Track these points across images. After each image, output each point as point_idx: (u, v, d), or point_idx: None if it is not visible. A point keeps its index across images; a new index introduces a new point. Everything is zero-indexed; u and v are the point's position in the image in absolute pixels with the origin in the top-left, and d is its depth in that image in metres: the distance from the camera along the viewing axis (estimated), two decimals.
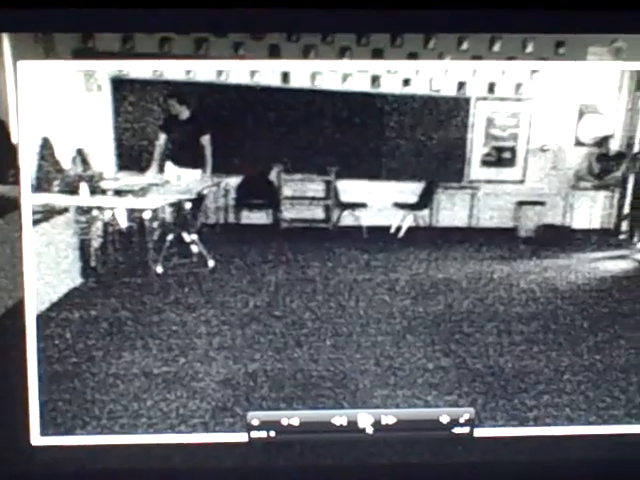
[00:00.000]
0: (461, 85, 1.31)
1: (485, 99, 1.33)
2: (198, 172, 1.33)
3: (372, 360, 1.30)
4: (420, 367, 1.30)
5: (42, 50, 1.16)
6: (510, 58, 1.23)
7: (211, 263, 1.35)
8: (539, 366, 1.32)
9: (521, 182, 1.39)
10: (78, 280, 1.31)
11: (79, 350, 1.27)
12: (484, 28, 1.17)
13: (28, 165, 1.19)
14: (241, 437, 1.25)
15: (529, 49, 1.23)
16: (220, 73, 1.30)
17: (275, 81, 1.28)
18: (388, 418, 1.25)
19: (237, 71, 1.27)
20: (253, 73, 1.28)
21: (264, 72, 1.26)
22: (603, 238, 1.39)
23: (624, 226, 1.41)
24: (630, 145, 1.34)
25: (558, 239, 1.38)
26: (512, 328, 1.32)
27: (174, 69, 1.26)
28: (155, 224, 1.34)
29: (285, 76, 1.28)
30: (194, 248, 1.35)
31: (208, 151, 1.32)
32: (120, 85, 1.28)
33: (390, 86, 1.31)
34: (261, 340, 1.30)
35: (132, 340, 1.29)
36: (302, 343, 1.30)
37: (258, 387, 1.28)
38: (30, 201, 1.19)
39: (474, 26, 1.17)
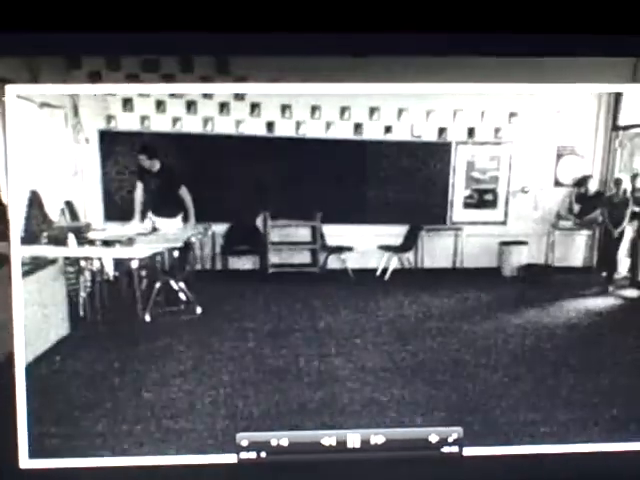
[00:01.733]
0: (442, 130, 1.35)
1: (465, 143, 1.37)
2: (179, 221, 1.35)
3: (361, 384, 1.31)
4: (408, 389, 1.31)
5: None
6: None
7: (199, 310, 1.36)
8: (526, 388, 1.33)
9: (503, 223, 1.42)
10: (67, 330, 1.32)
11: (70, 394, 1.27)
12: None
13: (17, 220, 1.20)
14: (230, 458, 1.24)
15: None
16: (206, 123, 1.33)
17: (260, 130, 1.31)
18: (377, 438, 1.25)
19: (222, 122, 1.30)
20: (238, 123, 1.31)
21: (249, 122, 1.29)
22: (584, 276, 1.42)
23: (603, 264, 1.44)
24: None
25: (541, 278, 1.40)
26: (499, 358, 1.34)
27: (160, 122, 1.29)
28: (143, 273, 1.36)
29: (270, 125, 1.31)
30: (182, 295, 1.36)
31: (188, 201, 1.34)
32: (108, 138, 1.31)
33: (373, 133, 1.34)
34: (250, 372, 1.30)
35: (121, 382, 1.29)
36: (291, 371, 1.30)
37: (247, 409, 1.28)
38: (19, 255, 1.20)
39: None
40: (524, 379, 1.31)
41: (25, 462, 1.23)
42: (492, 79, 1.14)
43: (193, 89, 1.18)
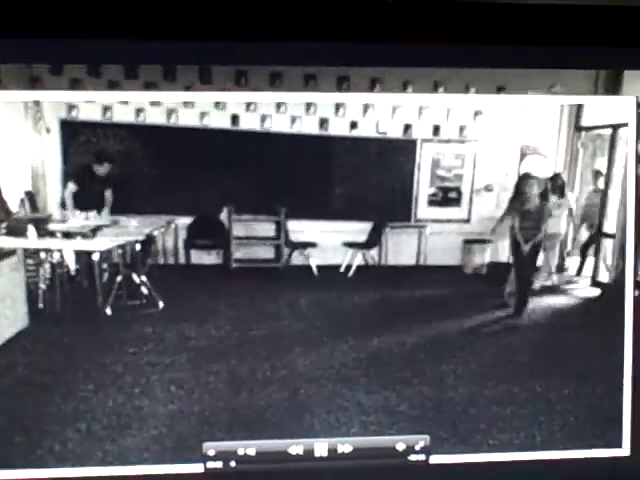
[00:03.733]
0: (407, 127, 1.35)
1: (430, 141, 1.37)
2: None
3: (327, 391, 1.31)
4: (375, 397, 1.32)
5: None
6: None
7: (161, 304, 1.34)
8: (492, 394, 1.34)
9: (467, 221, 1.43)
10: (25, 322, 1.30)
11: (27, 389, 1.25)
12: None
13: None
14: (197, 468, 1.24)
15: (472, 91, 1.27)
16: (170, 115, 1.32)
17: (225, 123, 1.30)
18: (344, 447, 1.25)
19: (187, 114, 1.29)
20: (203, 115, 1.30)
21: (213, 115, 1.28)
22: (547, 274, 1.43)
23: (567, 262, 1.45)
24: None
25: (503, 276, 1.41)
26: (463, 359, 1.35)
27: (123, 111, 1.27)
28: (104, 266, 1.34)
29: (234, 119, 1.31)
30: (144, 289, 1.35)
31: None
32: (69, 128, 1.29)
33: (338, 129, 1.34)
34: (215, 375, 1.30)
35: (83, 379, 1.28)
36: (256, 376, 1.30)
37: (214, 418, 1.27)
38: None
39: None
40: (491, 385, 1.32)
41: None
42: (456, 89, 1.15)
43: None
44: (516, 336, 1.37)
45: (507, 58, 1.15)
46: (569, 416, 1.31)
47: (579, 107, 1.34)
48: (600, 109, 1.27)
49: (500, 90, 1.32)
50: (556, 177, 1.39)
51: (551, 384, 1.34)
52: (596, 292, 1.44)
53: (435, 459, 1.26)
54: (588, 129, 1.39)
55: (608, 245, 1.37)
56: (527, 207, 1.38)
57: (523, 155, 1.39)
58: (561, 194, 1.39)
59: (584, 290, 1.44)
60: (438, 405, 1.32)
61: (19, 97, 1.15)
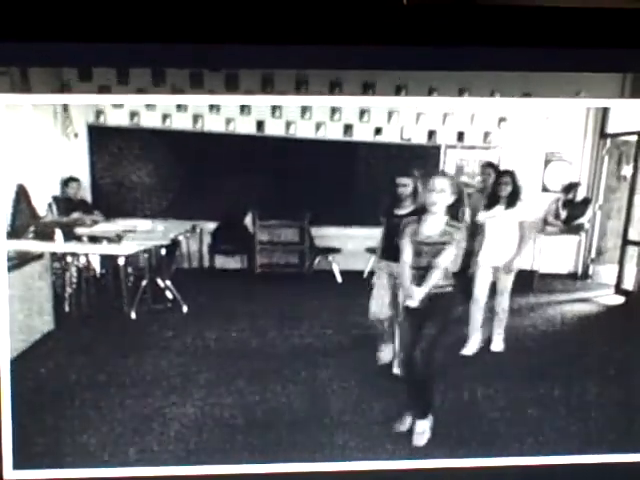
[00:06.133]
0: (431, 133, 1.35)
1: (454, 147, 1.37)
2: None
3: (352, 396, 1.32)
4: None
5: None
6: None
7: (185, 309, 1.35)
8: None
9: None
10: (52, 325, 1.31)
11: (52, 390, 1.26)
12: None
13: (3, 213, 1.19)
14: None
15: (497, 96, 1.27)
16: (196, 121, 1.33)
17: (250, 129, 1.31)
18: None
19: (212, 120, 1.30)
20: (229, 121, 1.31)
21: (239, 121, 1.29)
22: (570, 281, 1.43)
23: (590, 270, 1.45)
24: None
25: (526, 283, 1.41)
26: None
27: (150, 118, 1.28)
28: (129, 270, 1.35)
29: (260, 125, 1.31)
30: (168, 294, 1.36)
31: None
32: (96, 133, 1.30)
33: (362, 134, 1.35)
34: (238, 378, 1.30)
35: (107, 381, 1.28)
36: (279, 379, 1.30)
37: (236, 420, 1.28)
38: (5, 249, 1.19)
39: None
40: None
41: (9, 473, 1.21)
42: (482, 93, 1.15)
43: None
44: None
45: (533, 61, 1.14)
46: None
47: (604, 114, 1.33)
48: (626, 116, 1.27)
49: (526, 96, 1.31)
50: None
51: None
52: (620, 300, 1.43)
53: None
54: (614, 136, 1.38)
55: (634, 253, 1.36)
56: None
57: (547, 162, 1.39)
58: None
59: (608, 298, 1.43)
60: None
61: (47, 100, 1.16)
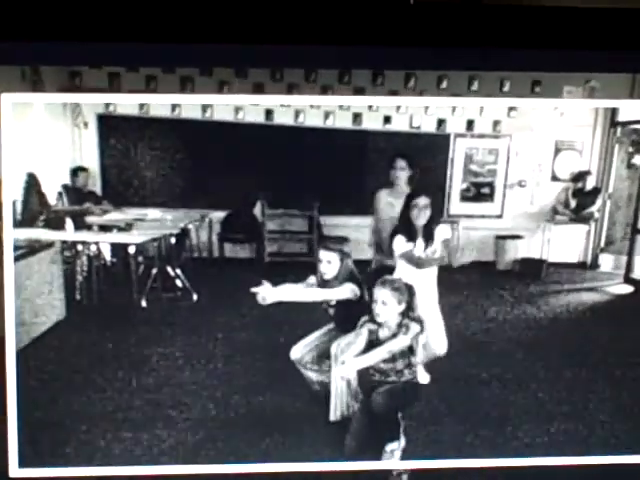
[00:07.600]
0: (441, 122, 1.35)
1: (464, 136, 1.37)
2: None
3: None
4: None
5: (28, 83, 1.18)
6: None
7: (195, 297, 1.36)
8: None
9: (499, 217, 1.43)
10: (63, 313, 1.32)
11: (60, 382, 1.27)
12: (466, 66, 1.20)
13: (10, 201, 1.18)
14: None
15: (506, 88, 1.26)
16: (205, 110, 1.33)
17: (259, 118, 1.31)
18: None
19: (222, 108, 1.30)
20: (237, 110, 1.31)
21: (248, 109, 1.29)
22: (579, 271, 1.42)
23: (600, 259, 1.44)
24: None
25: (535, 272, 1.41)
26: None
27: (159, 107, 1.28)
28: (140, 258, 1.36)
29: (268, 113, 1.31)
30: (178, 282, 1.37)
31: None
32: (106, 122, 1.30)
33: (371, 123, 1.34)
34: (248, 367, 1.31)
35: (115, 374, 1.29)
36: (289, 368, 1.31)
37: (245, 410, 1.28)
38: (11, 236, 1.19)
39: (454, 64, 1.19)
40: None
41: (15, 471, 1.22)
42: (492, 92, 1.15)
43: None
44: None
45: (539, 61, 1.14)
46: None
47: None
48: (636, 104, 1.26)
49: (535, 85, 1.31)
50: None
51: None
52: (629, 289, 1.42)
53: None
54: (624, 124, 1.37)
55: None
56: None
57: (557, 150, 1.38)
58: None
59: (618, 287, 1.43)
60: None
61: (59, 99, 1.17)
